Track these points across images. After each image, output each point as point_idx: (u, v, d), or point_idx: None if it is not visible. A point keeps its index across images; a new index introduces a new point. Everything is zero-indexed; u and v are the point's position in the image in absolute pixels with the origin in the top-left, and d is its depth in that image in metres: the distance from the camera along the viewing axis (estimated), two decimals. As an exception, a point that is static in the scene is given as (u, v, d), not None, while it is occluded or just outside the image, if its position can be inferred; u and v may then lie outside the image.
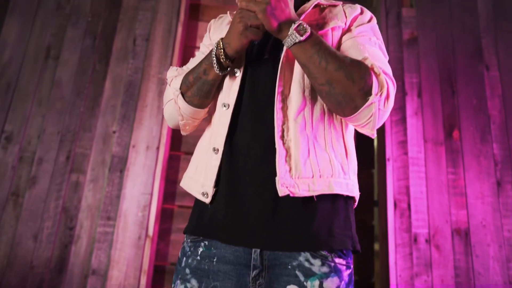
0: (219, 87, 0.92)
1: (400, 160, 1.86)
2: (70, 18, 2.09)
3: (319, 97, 0.82)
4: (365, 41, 0.85)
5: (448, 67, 2.01)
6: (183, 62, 2.11)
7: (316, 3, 0.91)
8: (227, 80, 0.90)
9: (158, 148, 1.88)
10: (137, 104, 1.93)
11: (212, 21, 1.06)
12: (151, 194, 1.82)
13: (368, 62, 0.76)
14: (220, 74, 0.84)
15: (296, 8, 0.92)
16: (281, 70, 0.81)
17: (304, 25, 0.74)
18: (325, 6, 0.93)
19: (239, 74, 0.87)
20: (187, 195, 1.98)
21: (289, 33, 0.74)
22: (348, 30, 0.88)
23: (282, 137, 0.78)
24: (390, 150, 1.87)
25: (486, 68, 2.01)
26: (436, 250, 1.73)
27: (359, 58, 0.78)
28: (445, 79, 1.99)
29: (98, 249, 1.74)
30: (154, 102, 1.93)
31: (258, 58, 0.88)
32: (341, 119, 0.85)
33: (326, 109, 0.82)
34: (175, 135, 2.00)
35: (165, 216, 1.94)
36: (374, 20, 0.92)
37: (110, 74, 1.99)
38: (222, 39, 0.83)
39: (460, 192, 1.81)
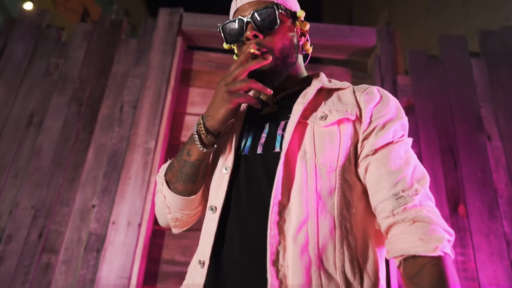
0: (209, 187, 0.81)
1: (403, 239, 1.70)
2: (57, 85, 2.03)
3: (327, 206, 0.67)
4: (401, 149, 0.72)
5: (448, 137, 1.93)
6: (171, 129, 2.03)
7: (319, 87, 0.81)
8: (216, 177, 0.79)
9: (140, 224, 1.73)
10: (120, 175, 1.81)
11: None
12: (129, 279, 1.64)
13: (422, 216, 0.64)
14: (204, 151, 0.75)
15: (297, 92, 0.82)
16: (279, 175, 0.68)
17: None
18: (331, 89, 0.82)
19: (228, 171, 0.76)
20: (170, 276, 1.80)
21: None
22: (371, 129, 0.74)
23: (276, 262, 0.63)
24: (392, 227, 1.72)
25: (488, 138, 1.92)
26: None
27: (400, 195, 0.66)
28: (446, 150, 1.89)
29: None
30: (138, 174, 1.81)
31: (251, 154, 0.77)
32: (362, 233, 0.69)
33: (337, 221, 0.66)
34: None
35: (145, 301, 1.74)
36: (399, 107, 0.78)
37: (93, 143, 1.89)
38: (203, 115, 0.76)
39: (472, 276, 1.64)
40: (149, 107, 1.96)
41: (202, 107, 2.10)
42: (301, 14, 0.87)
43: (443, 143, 1.91)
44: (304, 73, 0.91)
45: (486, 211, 1.76)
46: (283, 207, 0.67)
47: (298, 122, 0.74)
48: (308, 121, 0.75)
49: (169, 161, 0.87)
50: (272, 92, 0.75)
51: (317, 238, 0.64)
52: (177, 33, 2.15)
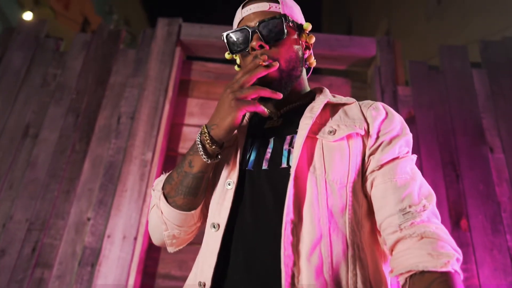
0: (208, 203, 0.78)
1: (404, 254, 1.66)
2: (54, 95, 2.01)
3: (339, 224, 0.65)
4: (406, 165, 0.71)
5: (449, 149, 1.90)
6: (168, 141, 2.00)
7: (325, 102, 0.79)
8: (218, 193, 0.76)
9: (136, 238, 1.69)
10: (116, 188, 1.78)
11: None
12: (124, 294, 1.60)
13: (431, 232, 0.62)
14: (208, 162, 0.72)
15: (301, 107, 0.81)
16: (289, 191, 0.65)
17: None
18: (336, 104, 0.81)
19: (231, 186, 0.73)
20: (166, 290, 1.76)
21: None
22: (377, 144, 0.73)
23: (292, 285, 0.59)
24: (393, 241, 1.69)
25: (490, 150, 1.89)
26: None
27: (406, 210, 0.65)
28: (448, 162, 1.86)
29: None
30: (134, 186, 1.78)
31: (255, 169, 0.74)
32: (371, 253, 0.68)
33: (349, 239, 0.64)
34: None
35: (140, 317, 1.70)
36: (404, 123, 0.79)
37: (90, 155, 1.86)
38: (206, 124, 0.73)
39: (475, 293, 1.60)
40: (146, 118, 1.94)
41: (201, 118, 2.08)
42: (307, 26, 0.86)
43: (445, 155, 1.88)
44: (308, 87, 0.90)
45: (489, 225, 1.72)
46: (294, 225, 0.64)
47: (307, 137, 0.72)
48: (317, 136, 0.74)
49: (164, 175, 0.83)
50: (282, 95, 0.73)
51: (331, 259, 0.62)
52: (176, 43, 2.13)
